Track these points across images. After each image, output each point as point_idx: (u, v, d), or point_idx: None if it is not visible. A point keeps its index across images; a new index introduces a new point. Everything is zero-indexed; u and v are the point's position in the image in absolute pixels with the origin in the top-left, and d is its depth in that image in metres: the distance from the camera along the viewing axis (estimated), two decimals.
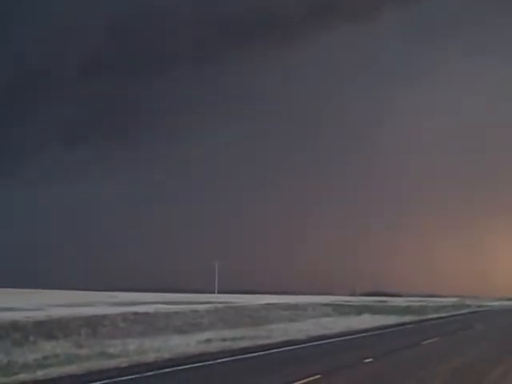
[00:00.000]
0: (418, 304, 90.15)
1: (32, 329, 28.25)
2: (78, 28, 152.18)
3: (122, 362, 19.90)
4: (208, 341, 27.36)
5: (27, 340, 25.36)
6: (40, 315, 34.63)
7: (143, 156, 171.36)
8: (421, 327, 44.68)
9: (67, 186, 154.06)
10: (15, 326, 28.68)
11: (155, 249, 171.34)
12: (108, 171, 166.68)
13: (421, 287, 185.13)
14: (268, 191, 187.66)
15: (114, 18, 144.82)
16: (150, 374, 17.85)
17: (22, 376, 16.75)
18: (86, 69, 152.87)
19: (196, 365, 20.00)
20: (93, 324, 31.77)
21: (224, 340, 27.88)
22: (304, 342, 29.36)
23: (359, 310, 64.01)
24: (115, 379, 16.77)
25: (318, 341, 30.04)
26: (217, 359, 21.37)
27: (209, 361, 20.99)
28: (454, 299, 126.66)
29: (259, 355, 23.31)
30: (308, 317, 50.64)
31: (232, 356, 22.44)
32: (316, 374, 17.27)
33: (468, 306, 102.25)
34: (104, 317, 34.99)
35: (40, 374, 17.18)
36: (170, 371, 18.60)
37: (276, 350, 25.16)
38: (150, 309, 44.69)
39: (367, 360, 21.31)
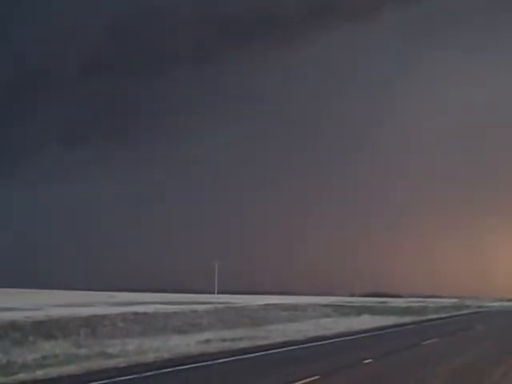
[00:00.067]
0: (417, 305, 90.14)
1: (31, 329, 28.23)
2: (78, 28, 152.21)
3: (122, 362, 19.88)
4: (207, 341, 27.34)
5: (26, 340, 25.36)
6: (39, 315, 34.59)
7: (143, 156, 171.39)
8: (420, 328, 44.66)
9: (67, 186, 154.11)
10: (14, 325, 28.66)
11: (155, 249, 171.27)
12: (108, 171, 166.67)
13: (421, 287, 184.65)
14: (268, 191, 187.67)
15: (114, 18, 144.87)
16: (149, 374, 17.83)
17: (22, 376, 16.73)
18: (86, 69, 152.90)
19: (195, 365, 19.98)
20: (92, 324, 31.76)
21: (223, 340, 27.86)
22: (303, 342, 29.33)
23: (359, 310, 64.01)
24: (114, 379, 16.75)
25: (317, 341, 30.01)
26: (216, 359, 21.35)
27: (208, 361, 20.97)
28: (454, 300, 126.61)
29: (258, 356, 23.29)
30: (308, 317, 50.64)
31: (231, 356, 22.42)
32: (315, 375, 17.24)
33: (468, 306, 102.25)
34: (103, 317, 34.96)
35: (39, 373, 17.17)
36: (169, 371, 18.59)
37: (275, 351, 25.14)
38: (150, 309, 44.66)
39: (367, 361, 21.28)
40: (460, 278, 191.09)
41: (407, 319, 54.95)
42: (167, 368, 19.05)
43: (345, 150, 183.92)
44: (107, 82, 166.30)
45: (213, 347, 25.26)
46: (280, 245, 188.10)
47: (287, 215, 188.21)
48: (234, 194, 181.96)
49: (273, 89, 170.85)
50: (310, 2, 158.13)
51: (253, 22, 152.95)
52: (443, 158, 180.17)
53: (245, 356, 22.95)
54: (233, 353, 23.61)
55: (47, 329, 28.80)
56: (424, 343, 29.24)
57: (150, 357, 21.36)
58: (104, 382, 16.34)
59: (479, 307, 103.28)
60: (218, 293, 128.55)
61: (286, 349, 26.10)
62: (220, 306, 55.18)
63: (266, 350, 24.99)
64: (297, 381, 16.30)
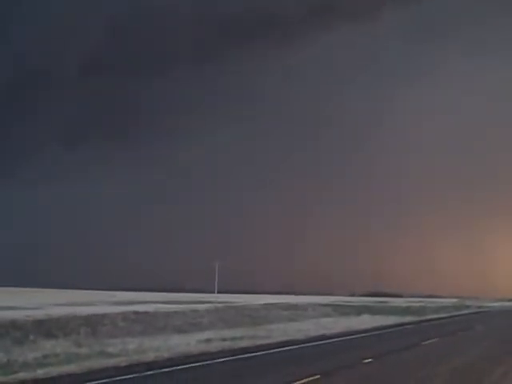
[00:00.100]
0: (417, 304, 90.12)
1: (32, 328, 28.23)
2: (78, 28, 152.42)
3: (122, 362, 19.89)
4: (208, 340, 27.36)
5: (27, 339, 25.36)
6: (40, 314, 34.58)
7: (143, 156, 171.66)
8: (421, 328, 44.67)
9: (67, 186, 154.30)
10: (15, 324, 28.66)
11: (155, 249, 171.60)
12: (108, 171, 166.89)
13: (421, 287, 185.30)
14: (268, 191, 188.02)
15: (114, 18, 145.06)
16: (149, 373, 17.85)
17: (22, 375, 16.75)
18: (86, 69, 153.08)
19: (196, 364, 20.00)
20: (92, 323, 31.76)
21: (224, 340, 27.88)
22: (304, 342, 29.35)
23: (359, 310, 64.01)
24: (115, 378, 16.77)
25: (317, 341, 30.03)
26: (216, 359, 21.36)
27: (208, 360, 20.99)
28: (454, 300, 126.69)
29: (259, 355, 23.31)
30: (308, 317, 50.65)
31: (232, 356, 22.44)
32: (315, 374, 17.26)
33: (468, 306, 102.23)
34: (104, 316, 34.96)
35: (40, 372, 17.19)
36: (169, 371, 18.61)
37: (276, 350, 25.16)
38: (150, 308, 44.66)
39: (367, 360, 21.30)
40: (460, 278, 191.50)
41: (407, 319, 54.96)
42: (167, 367, 19.07)
43: (345, 150, 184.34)
44: (107, 82, 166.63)
45: (213, 346, 25.27)
46: (280, 245, 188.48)
47: (287, 215, 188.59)
48: (233, 194, 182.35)
49: (273, 89, 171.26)
50: (309, 2, 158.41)
51: (253, 22, 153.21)
52: (443, 158, 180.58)
53: (245, 355, 22.96)
54: (233, 352, 23.63)
55: (47, 328, 28.80)
56: (424, 343, 29.25)
57: (150, 356, 21.37)
58: (104, 381, 16.36)
59: (479, 307, 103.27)
60: (218, 292, 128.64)
61: (286, 348, 26.12)
62: (220, 305, 55.17)
63: (267, 350, 25.01)
64: (297, 380, 16.32)
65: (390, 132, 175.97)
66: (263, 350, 24.66)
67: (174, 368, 19.05)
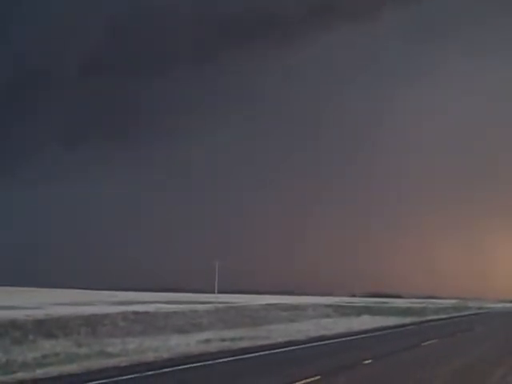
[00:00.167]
0: (418, 305, 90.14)
1: (32, 327, 28.24)
2: (78, 28, 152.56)
3: (122, 362, 19.90)
4: (207, 341, 27.35)
5: (27, 338, 25.37)
6: (40, 314, 34.61)
7: (143, 156, 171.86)
8: (421, 329, 44.65)
9: (67, 186, 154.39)
10: (15, 324, 28.67)
11: (155, 249, 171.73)
12: (108, 171, 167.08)
13: (421, 288, 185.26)
14: (268, 191, 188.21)
15: (114, 18, 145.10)
16: (149, 373, 17.83)
17: (21, 375, 16.74)
18: (86, 69, 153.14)
19: (195, 365, 19.98)
20: (92, 323, 31.77)
21: (223, 340, 27.86)
22: (304, 342, 29.33)
23: (359, 311, 64.03)
24: (114, 378, 16.75)
25: (317, 341, 30.01)
26: (216, 359, 21.35)
27: (208, 361, 20.97)
28: (454, 301, 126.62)
29: (259, 356, 23.29)
30: (308, 317, 50.64)
31: (231, 356, 22.41)
32: (315, 375, 17.24)
33: (468, 308, 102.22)
34: (104, 316, 34.97)
35: (39, 372, 17.18)
36: (169, 371, 18.59)
37: (276, 351, 25.13)
38: (150, 308, 44.68)
39: (367, 361, 21.28)
40: (460, 278, 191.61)
41: (407, 320, 54.94)
42: (167, 367, 19.05)
43: (345, 150, 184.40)
44: (107, 82, 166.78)
45: (213, 347, 25.26)
46: (280, 245, 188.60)
47: (287, 215, 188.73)
48: (233, 194, 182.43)
49: (273, 89, 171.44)
50: (309, 2, 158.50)
51: (253, 22, 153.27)
52: (443, 158, 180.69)
53: (245, 356, 22.94)
54: (233, 352, 23.61)
55: (47, 328, 28.81)
56: (424, 344, 29.22)
57: (150, 356, 21.37)
58: (104, 381, 16.33)
59: (479, 308, 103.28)
60: (219, 292, 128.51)
61: (286, 349, 26.09)
62: (220, 305, 55.19)
63: (266, 350, 24.98)
64: (297, 381, 16.29)
65: (389, 132, 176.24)
66: (263, 351, 24.64)
67: (174, 368, 19.03)
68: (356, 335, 35.15)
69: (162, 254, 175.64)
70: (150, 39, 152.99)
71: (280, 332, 34.25)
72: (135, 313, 38.44)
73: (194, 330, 33.75)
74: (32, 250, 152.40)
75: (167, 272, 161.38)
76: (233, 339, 28.53)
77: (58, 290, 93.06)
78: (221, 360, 21.27)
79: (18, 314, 33.11)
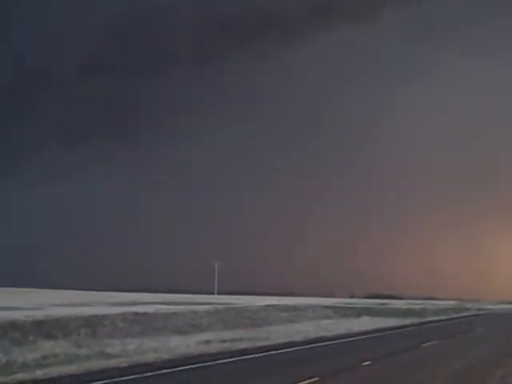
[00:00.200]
0: (417, 307, 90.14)
1: (31, 328, 28.23)
2: (78, 28, 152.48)
3: (122, 362, 19.91)
4: (207, 342, 27.36)
5: (26, 339, 25.36)
6: (39, 315, 34.58)
7: (143, 156, 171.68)
8: (420, 330, 44.66)
9: (67, 186, 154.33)
10: (14, 325, 28.66)
11: (155, 249, 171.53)
12: (108, 171, 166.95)
13: (421, 288, 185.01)
14: (268, 191, 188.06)
15: (114, 18, 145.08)
16: (149, 374, 17.84)
17: (21, 375, 16.75)
18: (86, 69, 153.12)
19: (195, 366, 20.00)
20: (92, 324, 31.76)
21: (223, 341, 27.88)
22: (303, 343, 29.35)
23: (359, 312, 64.02)
24: (114, 379, 16.76)
25: (317, 343, 30.02)
26: (216, 360, 21.37)
27: (208, 362, 20.99)
28: (454, 302, 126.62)
29: (258, 357, 23.31)
30: (308, 318, 50.66)
31: (231, 357, 22.43)
32: (314, 377, 17.24)
33: (468, 309, 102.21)
34: (103, 317, 34.96)
35: (39, 373, 17.19)
36: (169, 372, 18.60)
37: (275, 352, 25.15)
38: (150, 309, 44.65)
39: (366, 363, 21.28)
40: (460, 278, 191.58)
41: (407, 321, 54.97)
42: (167, 368, 19.07)
43: (345, 150, 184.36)
44: (107, 82, 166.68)
45: (213, 348, 25.27)
46: (280, 245, 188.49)
47: (287, 215, 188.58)
48: (233, 194, 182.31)
49: (273, 89, 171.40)
50: (309, 2, 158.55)
51: (253, 22, 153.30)
52: (443, 158, 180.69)
53: (245, 357, 22.96)
54: (233, 354, 23.63)
55: (47, 328, 28.80)
56: (423, 345, 29.23)
57: (149, 357, 21.38)
58: (104, 382, 16.35)
59: (479, 310, 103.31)
60: (218, 293, 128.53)
61: (285, 350, 26.11)
62: (220, 306, 55.16)
63: (266, 351, 25.00)
64: (296, 382, 16.31)
65: (390, 132, 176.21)
66: (262, 352, 24.66)
67: (174, 369, 19.05)
68: (356, 336, 35.16)
69: (162, 254, 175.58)
70: (150, 39, 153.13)
71: (280, 333, 34.27)
72: (135, 314, 38.42)
73: (193, 331, 33.77)
74: (32, 250, 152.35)
75: (167, 272, 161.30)
76: (233, 340, 28.55)
77: (58, 291, 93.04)
78: (221, 361, 21.29)
79: (18, 315, 33.09)
